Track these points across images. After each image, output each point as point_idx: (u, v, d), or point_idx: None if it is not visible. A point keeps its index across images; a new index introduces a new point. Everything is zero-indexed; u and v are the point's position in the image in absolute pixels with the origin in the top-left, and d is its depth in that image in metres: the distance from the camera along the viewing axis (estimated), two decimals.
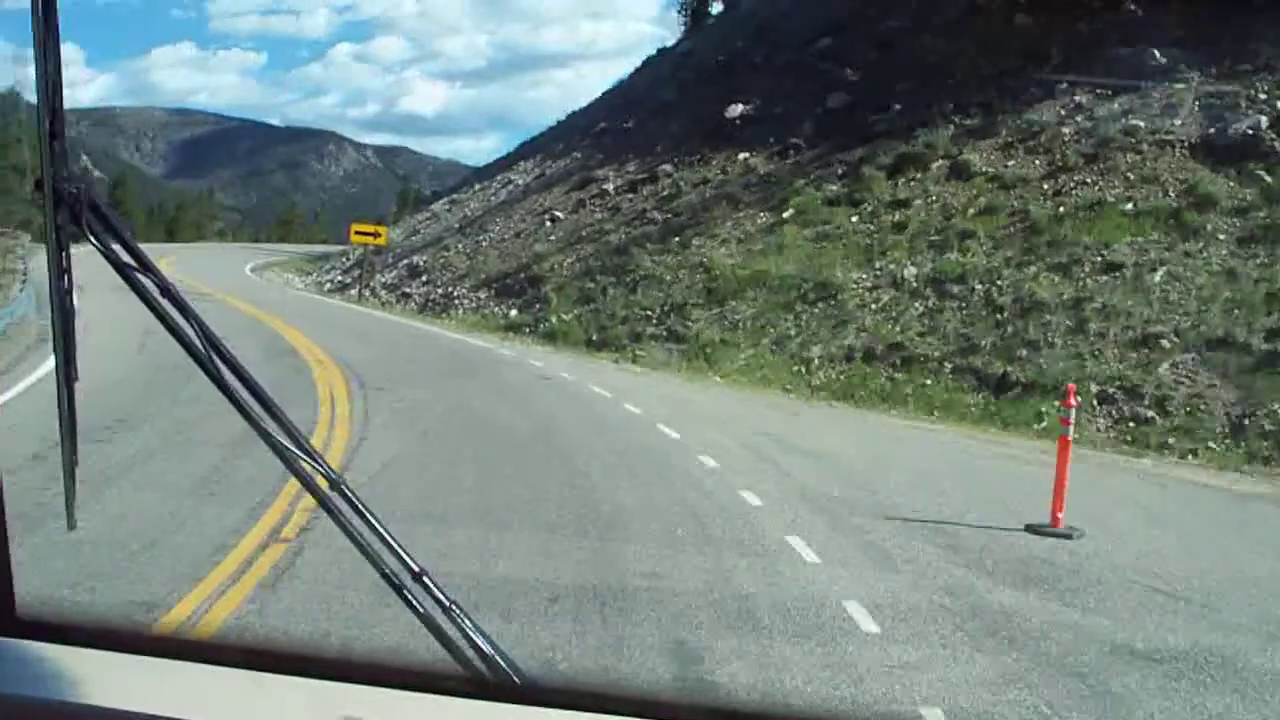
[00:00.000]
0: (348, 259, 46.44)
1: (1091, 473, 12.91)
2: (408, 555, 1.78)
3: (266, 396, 1.73)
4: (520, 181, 43.68)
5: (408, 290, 36.69)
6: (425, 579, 1.79)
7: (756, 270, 26.19)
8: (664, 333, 25.56)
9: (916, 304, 22.79)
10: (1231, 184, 22.13)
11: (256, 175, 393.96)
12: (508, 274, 33.37)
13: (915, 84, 30.81)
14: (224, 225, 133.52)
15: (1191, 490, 13.50)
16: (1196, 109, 24.81)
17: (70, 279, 1.61)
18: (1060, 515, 9.27)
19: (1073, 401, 10.29)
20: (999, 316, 21.20)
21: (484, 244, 37.17)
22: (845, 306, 23.54)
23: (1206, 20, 26.30)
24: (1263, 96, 23.99)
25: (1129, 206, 22.76)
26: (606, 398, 16.88)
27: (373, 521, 1.78)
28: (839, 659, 5.82)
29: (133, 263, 1.62)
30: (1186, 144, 23.92)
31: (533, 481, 10.00)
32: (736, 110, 35.45)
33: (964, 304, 22.10)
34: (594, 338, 26.64)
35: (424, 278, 37.00)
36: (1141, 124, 24.95)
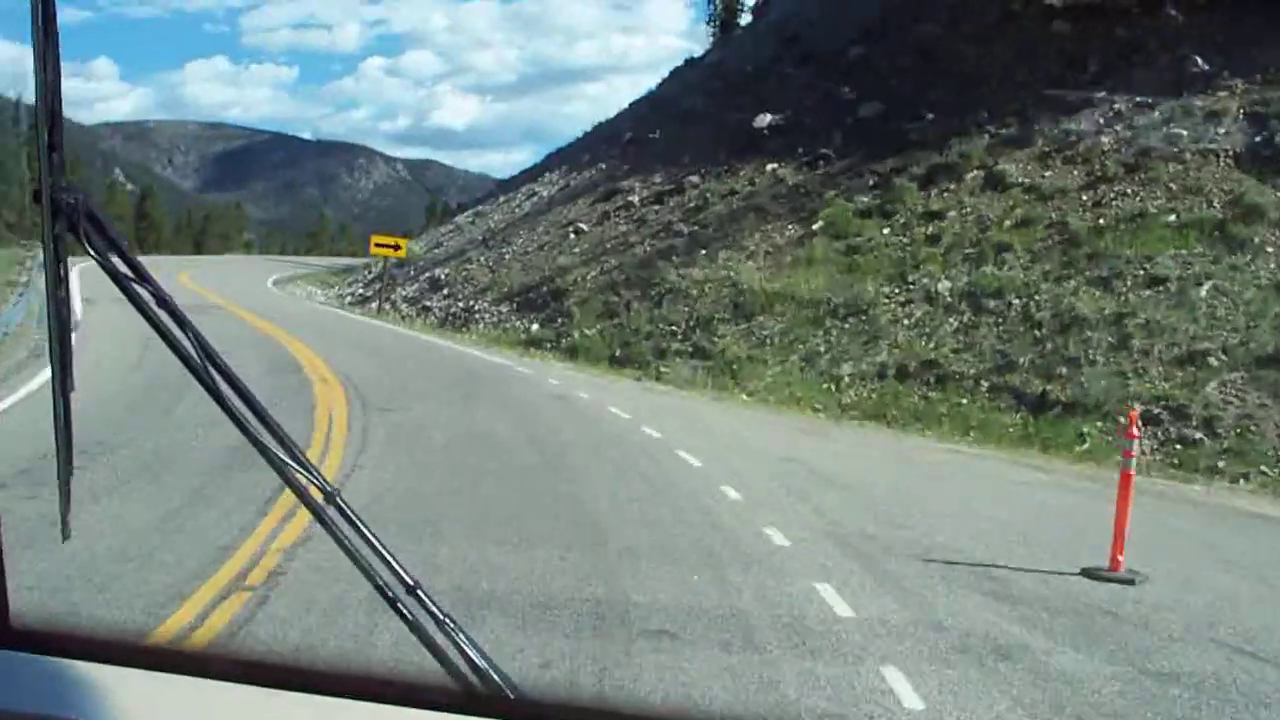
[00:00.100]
0: (369, 272, 45.87)
1: (1140, 501, 12.03)
2: (402, 568, 1.77)
3: (262, 408, 1.72)
4: (545, 193, 43.08)
5: (428, 304, 36.03)
6: (419, 592, 1.78)
7: (785, 284, 25.48)
8: (689, 349, 24.79)
9: (951, 319, 22.00)
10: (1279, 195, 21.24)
11: (288, 189, 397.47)
12: (530, 287, 32.72)
13: (949, 92, 30.07)
14: (252, 238, 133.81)
15: (1251, 523, 12.55)
16: (1241, 117, 24.03)
17: (68, 289, 1.60)
18: (1120, 558, 8.37)
19: (1135, 431, 9.23)
20: (1037, 333, 20.39)
21: (507, 257, 36.53)
22: (877, 322, 22.76)
23: (1250, 26, 25.61)
24: None
25: (1172, 218, 21.95)
26: (624, 419, 15.98)
27: (367, 534, 1.76)
28: None
29: (130, 273, 1.59)
30: (1231, 153, 23.16)
31: (533, 522, 9.05)
32: (765, 120, 34.79)
33: (1001, 319, 21.29)
34: (617, 353, 25.89)
35: (445, 291, 36.34)
36: (1184, 133, 24.17)
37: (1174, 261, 20.49)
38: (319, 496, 1.75)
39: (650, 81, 49.55)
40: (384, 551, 1.76)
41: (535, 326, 29.86)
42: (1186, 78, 25.63)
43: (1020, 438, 17.78)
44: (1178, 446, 16.60)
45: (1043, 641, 6.67)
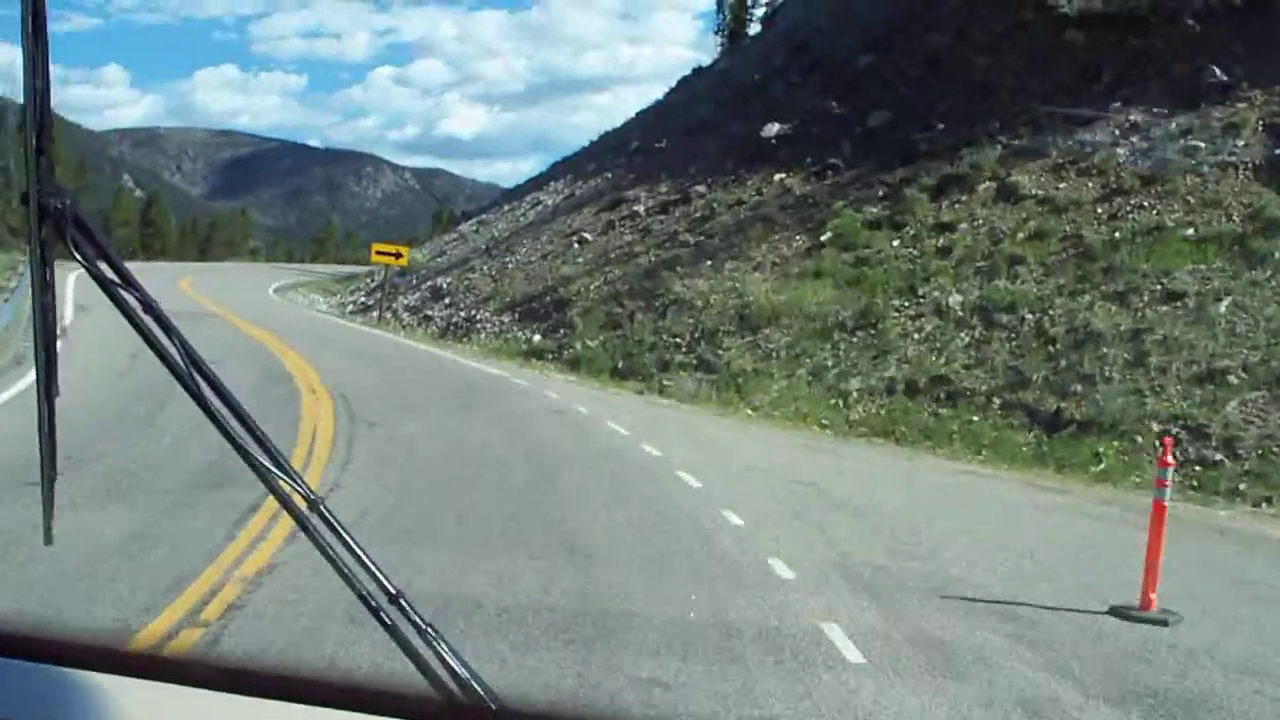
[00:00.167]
0: (372, 280, 45.32)
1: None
2: (384, 577, 1.75)
3: (246, 414, 1.73)
4: (550, 202, 42.55)
5: (429, 313, 35.47)
6: (402, 601, 1.76)
7: (792, 296, 24.84)
8: (694, 361, 24.19)
9: (962, 334, 21.40)
10: None
11: (296, 196, 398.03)
12: (533, 297, 32.13)
13: (959, 102, 29.50)
14: (258, 244, 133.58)
15: None
16: (1261, 129, 23.42)
17: (53, 293, 1.65)
18: (1152, 596, 7.75)
19: (1170, 460, 8.59)
20: (1051, 348, 19.79)
21: (510, 266, 35.98)
22: (886, 336, 22.14)
23: (1270, 35, 25.02)
24: None
25: (1190, 232, 21.34)
26: (623, 436, 15.34)
27: (350, 543, 1.76)
28: None
29: (116, 279, 1.62)
30: (1250, 166, 22.51)
31: (520, 551, 8.43)
32: (773, 129, 34.23)
33: (1013, 334, 20.69)
34: (620, 365, 25.30)
35: (447, 300, 35.79)
36: (1202, 144, 23.58)
37: (1192, 276, 19.90)
38: (302, 504, 1.74)
39: (657, 92, 49.17)
40: (367, 560, 1.77)
41: (537, 337, 29.31)
42: (1204, 88, 25.05)
43: (1033, 457, 17.22)
44: (1197, 468, 15.97)
45: (1074, 694, 6.06)
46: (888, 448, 17.99)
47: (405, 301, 38.14)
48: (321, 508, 1.75)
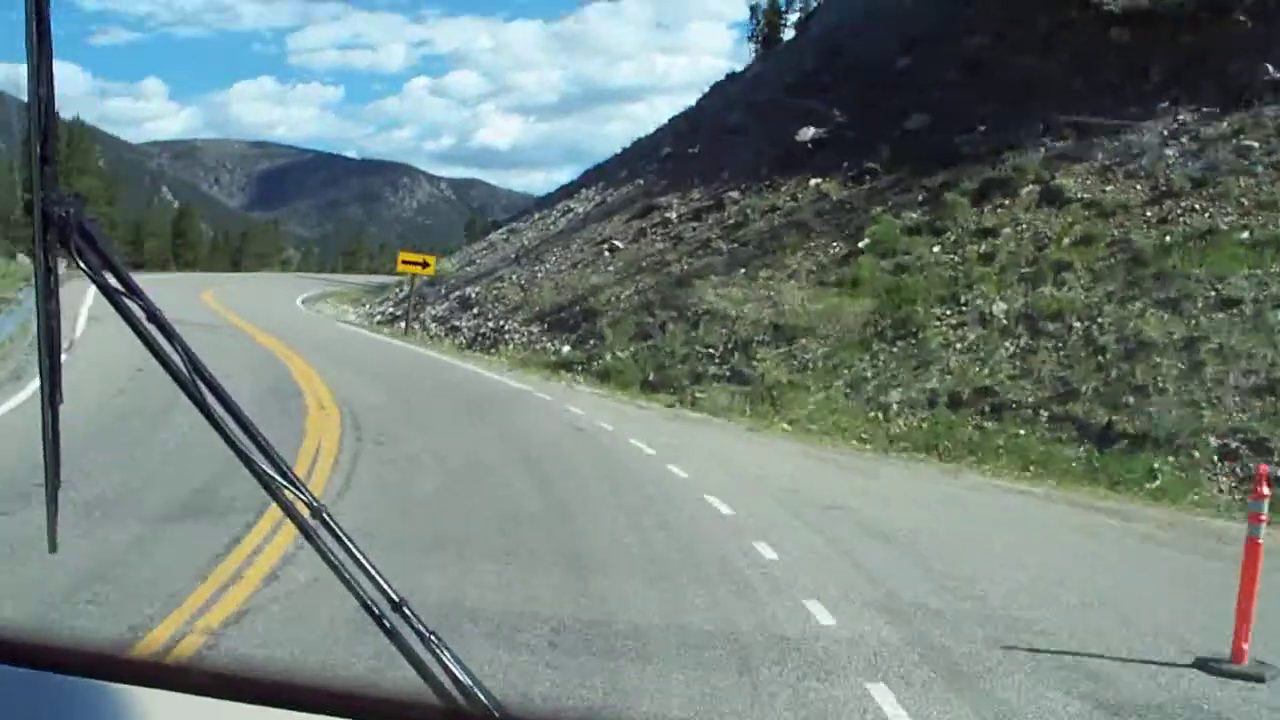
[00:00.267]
0: (401, 290, 44.74)
1: (1236, 556, 10.50)
2: (387, 584, 1.76)
3: (249, 422, 1.72)
4: (580, 210, 41.90)
5: (457, 323, 34.77)
6: (405, 609, 1.77)
7: (829, 305, 24.10)
8: (727, 373, 23.38)
9: (1007, 343, 20.54)
10: None
11: (332, 207, 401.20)
12: (562, 307, 31.43)
13: (1001, 104, 28.60)
14: (290, 255, 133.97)
15: None
16: None
17: (57, 301, 1.65)
18: (1245, 646, 6.83)
19: (1265, 490, 7.60)
20: (1101, 358, 18.90)
21: (539, 275, 35.29)
22: (927, 346, 21.30)
23: None
24: None
25: (1245, 235, 20.46)
26: (648, 455, 14.46)
27: (353, 550, 1.75)
28: None
29: (120, 287, 1.63)
30: None
31: (526, 591, 7.55)
32: (808, 134, 33.49)
33: (1061, 344, 19.83)
34: (651, 377, 24.49)
35: (475, 310, 35.09)
36: (1255, 145, 22.76)
37: (1248, 282, 19.01)
38: (306, 511, 1.74)
39: (692, 102, 48.38)
40: (370, 567, 1.77)
41: (566, 348, 28.58)
42: (1257, 86, 24.18)
43: (1084, 473, 16.36)
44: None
45: None
46: (930, 464, 17.14)
47: (433, 312, 37.49)
48: (325, 515, 1.75)
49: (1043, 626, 7.53)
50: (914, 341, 21.68)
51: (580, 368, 26.69)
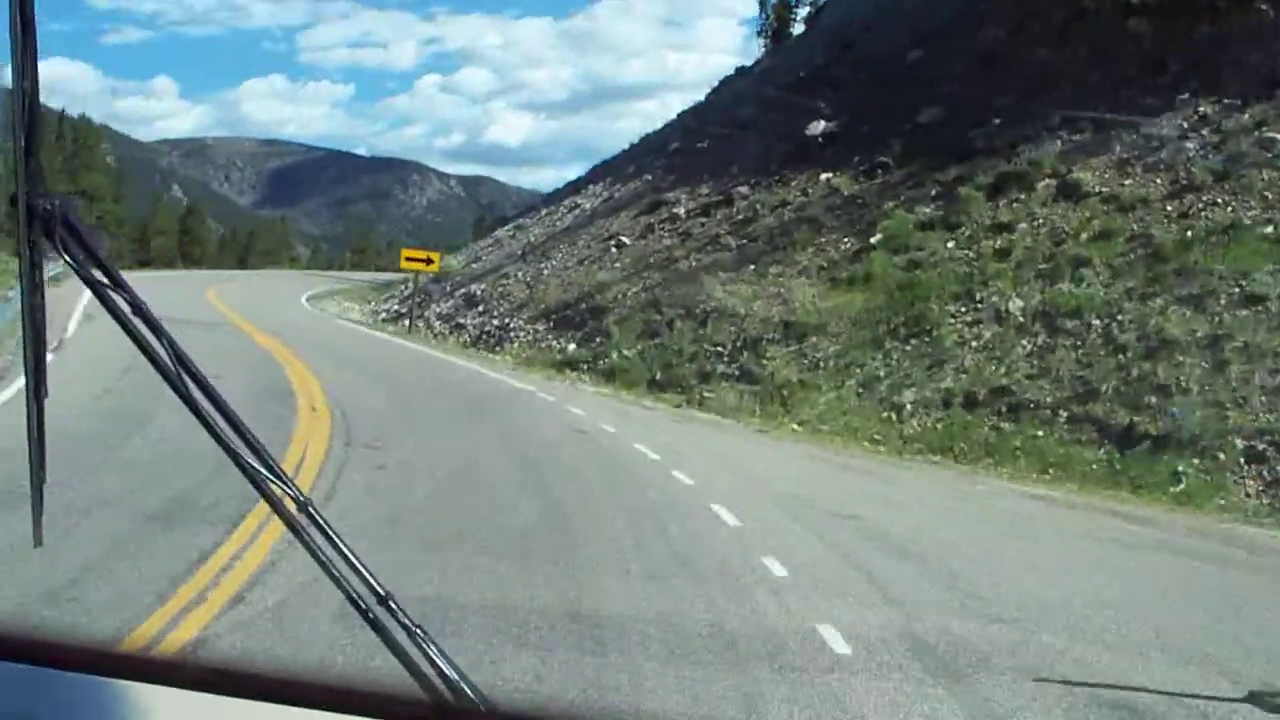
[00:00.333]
0: (406, 288, 44.34)
1: (1268, 567, 9.93)
2: (374, 579, 1.75)
3: (235, 416, 1.72)
4: (587, 205, 41.50)
5: (462, 321, 34.37)
6: (391, 603, 1.76)
7: (840, 301, 23.64)
8: (735, 372, 22.93)
9: (1024, 341, 20.05)
10: None
11: (342, 205, 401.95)
12: (568, 304, 31.00)
13: (1017, 96, 28.13)
14: (299, 252, 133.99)
15: None
16: None
17: (43, 295, 1.65)
18: None
19: None
20: (1121, 357, 18.41)
21: (545, 272, 34.85)
22: (941, 344, 20.80)
23: None
24: None
25: (1269, 229, 19.95)
26: (651, 460, 13.85)
27: (339, 545, 1.75)
28: None
29: (106, 281, 1.63)
30: None
31: (517, 615, 6.89)
32: (819, 127, 33.04)
33: (1080, 342, 19.34)
34: (658, 376, 24.02)
35: (480, 308, 34.66)
36: (1278, 136, 22.10)
37: (1273, 278, 18.52)
38: (292, 506, 1.72)
39: (702, 98, 47.86)
40: (356, 562, 1.76)
41: (572, 346, 28.14)
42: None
43: (1105, 475, 15.91)
44: None
45: None
46: (945, 466, 16.67)
47: (437, 309, 37.11)
48: (311, 509, 1.73)
49: (1076, 653, 6.87)
50: (928, 339, 21.21)
51: (586, 366, 26.32)
